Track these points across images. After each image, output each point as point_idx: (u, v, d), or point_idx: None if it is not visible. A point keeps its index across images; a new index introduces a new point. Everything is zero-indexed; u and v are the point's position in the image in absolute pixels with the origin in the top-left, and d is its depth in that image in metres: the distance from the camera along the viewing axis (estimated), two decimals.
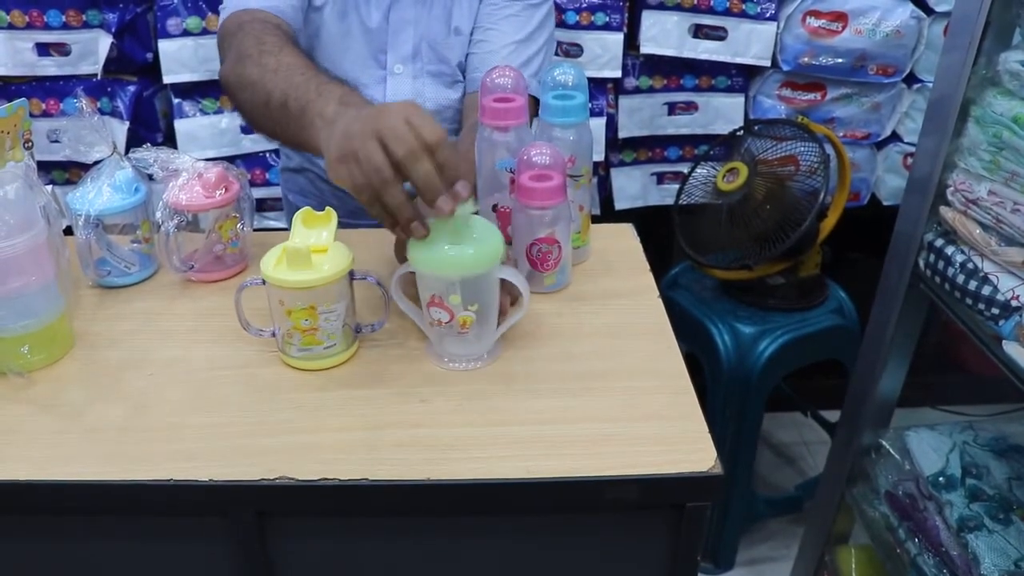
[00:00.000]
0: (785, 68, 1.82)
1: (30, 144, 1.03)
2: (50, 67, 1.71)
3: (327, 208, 0.95)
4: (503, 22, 1.37)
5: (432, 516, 0.85)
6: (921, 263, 1.31)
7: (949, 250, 1.24)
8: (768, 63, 1.83)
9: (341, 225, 0.96)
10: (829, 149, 1.62)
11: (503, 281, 0.92)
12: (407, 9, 1.36)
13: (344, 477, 0.79)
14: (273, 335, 0.95)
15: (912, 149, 1.91)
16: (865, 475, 1.55)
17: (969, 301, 1.20)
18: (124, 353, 0.98)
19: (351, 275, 0.93)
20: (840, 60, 1.79)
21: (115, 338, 1.01)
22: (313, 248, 0.90)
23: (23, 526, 0.86)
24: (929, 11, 1.79)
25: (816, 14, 1.76)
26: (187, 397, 0.91)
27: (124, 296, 1.10)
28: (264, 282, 0.91)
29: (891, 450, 1.48)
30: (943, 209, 1.26)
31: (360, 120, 0.84)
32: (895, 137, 1.95)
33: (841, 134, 1.89)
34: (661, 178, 1.98)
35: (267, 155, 1.85)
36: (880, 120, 1.91)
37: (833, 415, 1.91)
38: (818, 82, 1.86)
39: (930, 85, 1.82)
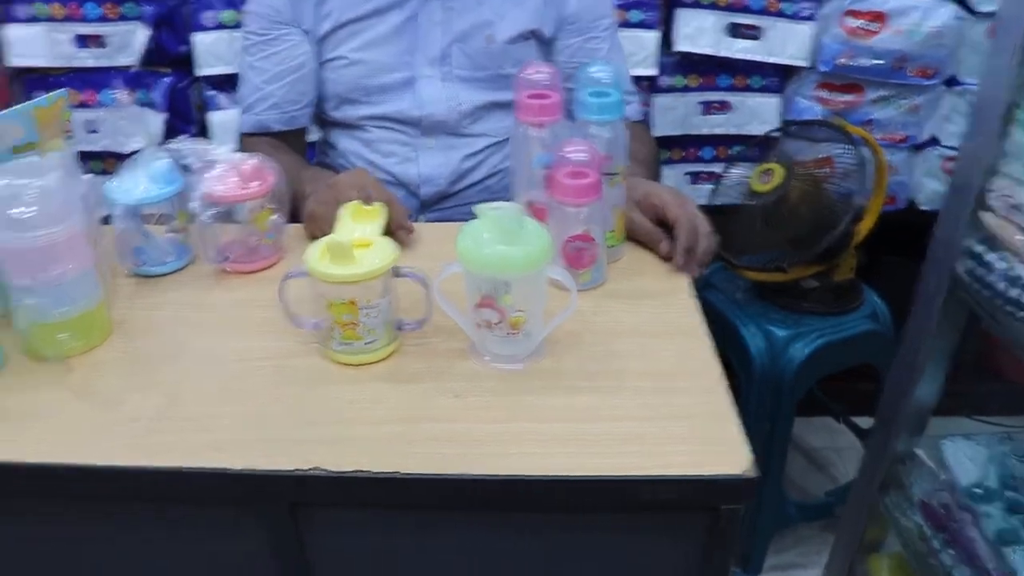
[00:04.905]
0: (822, 68, 1.81)
1: (70, 134, 1.04)
2: (88, 59, 1.73)
3: (376, 203, 0.96)
4: (609, 56, 1.45)
5: (464, 511, 0.85)
6: (961, 269, 1.30)
7: (990, 257, 1.23)
8: (805, 63, 1.81)
9: None
10: (866, 152, 1.61)
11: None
12: (435, 12, 1.37)
13: (377, 469, 0.80)
14: (316, 327, 0.96)
15: (951, 153, 1.89)
16: (899, 483, 1.54)
17: (1010, 309, 1.19)
18: (160, 342, 1.00)
19: (395, 271, 0.93)
20: (879, 61, 1.77)
21: (151, 327, 1.02)
22: (358, 242, 0.91)
23: (56, 510, 0.88)
24: (972, 11, 1.77)
25: (855, 14, 1.74)
26: (222, 387, 0.92)
27: (160, 285, 1.11)
28: (307, 274, 0.91)
29: (926, 459, 1.46)
30: (984, 215, 1.24)
31: (319, 196, 1.17)
32: (934, 140, 1.93)
33: (878, 136, 1.87)
34: (695, 178, 1.98)
35: None
36: (919, 123, 1.89)
37: (865, 421, 1.90)
38: (856, 83, 1.85)
39: (972, 87, 1.81)
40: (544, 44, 1.45)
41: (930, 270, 1.37)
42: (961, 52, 1.79)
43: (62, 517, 0.88)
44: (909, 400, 1.45)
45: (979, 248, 1.25)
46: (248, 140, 1.44)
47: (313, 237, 1.14)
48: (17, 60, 1.72)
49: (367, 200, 1.06)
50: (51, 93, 1.01)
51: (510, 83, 1.39)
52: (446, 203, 1.45)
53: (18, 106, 0.96)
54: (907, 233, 1.74)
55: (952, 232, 1.30)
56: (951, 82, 1.86)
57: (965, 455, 1.43)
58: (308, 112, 1.44)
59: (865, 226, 1.69)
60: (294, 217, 1.22)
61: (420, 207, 1.45)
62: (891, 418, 1.51)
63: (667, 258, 1.13)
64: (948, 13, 1.73)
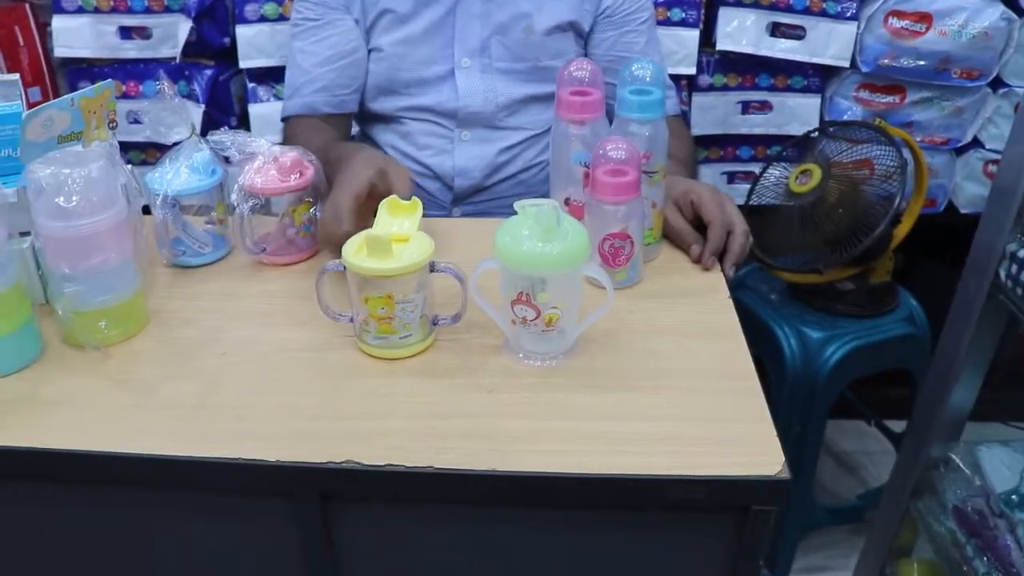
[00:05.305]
0: (864, 69, 1.77)
1: (115, 124, 1.05)
2: (131, 50, 1.75)
3: (413, 198, 0.96)
4: (646, 50, 1.45)
5: (496, 507, 0.85)
6: (1002, 274, 1.27)
7: None
8: (847, 64, 1.78)
9: None
10: (907, 154, 1.58)
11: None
12: (474, 4, 1.37)
13: (410, 464, 0.79)
14: (351, 320, 0.96)
15: (994, 156, 1.85)
16: (932, 488, 1.52)
17: None
18: (197, 332, 1.00)
19: (431, 266, 0.93)
20: (922, 62, 1.74)
21: (188, 317, 1.03)
22: (395, 237, 0.91)
23: (92, 496, 0.88)
24: (1021, 12, 1.73)
25: (899, 14, 1.71)
26: (257, 378, 0.92)
27: (198, 276, 1.12)
28: (344, 267, 0.91)
29: (961, 464, 1.44)
30: None
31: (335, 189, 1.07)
32: (976, 143, 1.89)
33: (919, 139, 1.84)
34: (732, 177, 1.95)
35: None
36: (961, 125, 1.85)
37: (898, 425, 1.87)
38: (898, 84, 1.81)
39: (1018, 90, 1.77)
40: (582, 37, 1.44)
41: (970, 273, 1.35)
42: (1008, 54, 1.75)
43: (95, 503, 0.89)
44: (944, 405, 1.43)
45: (1022, 252, 1.23)
46: (292, 122, 1.43)
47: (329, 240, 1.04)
48: (63, 51, 1.73)
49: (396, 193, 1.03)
50: (98, 84, 1.02)
51: (548, 75, 1.39)
52: (479, 196, 1.45)
53: (66, 96, 0.97)
54: (946, 236, 1.71)
55: (994, 235, 1.28)
56: (996, 84, 1.82)
57: (1001, 461, 1.40)
58: (356, 99, 1.44)
59: (903, 229, 1.66)
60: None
61: (454, 200, 1.45)
62: (926, 423, 1.49)
63: (696, 261, 1.12)
64: (995, 14, 1.69)
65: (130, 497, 0.88)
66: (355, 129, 1.56)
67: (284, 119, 1.45)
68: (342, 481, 0.81)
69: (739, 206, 1.15)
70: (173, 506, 0.88)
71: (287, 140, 1.42)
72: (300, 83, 1.41)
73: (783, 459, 0.80)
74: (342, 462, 0.80)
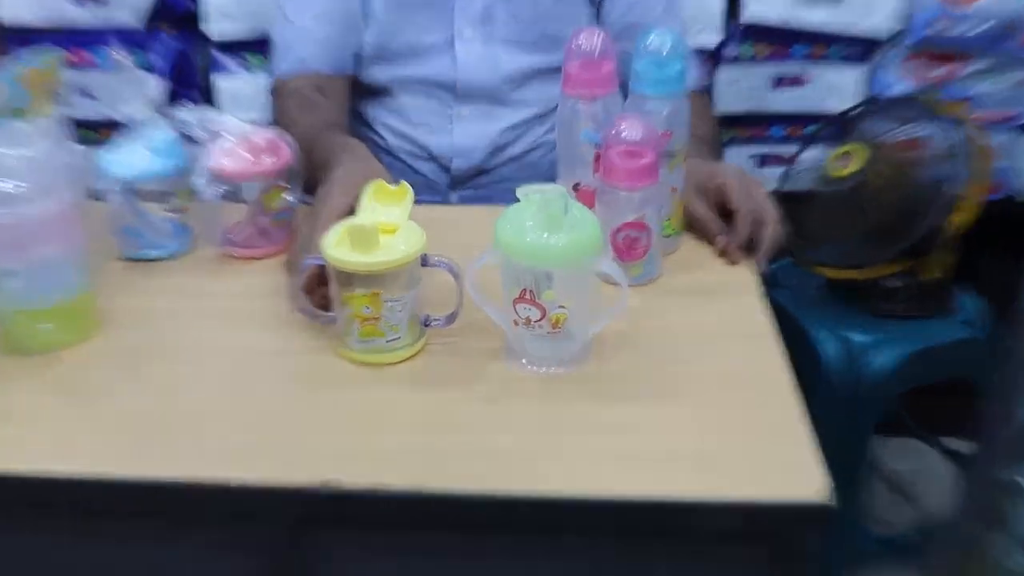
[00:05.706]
0: (914, 37, 1.77)
1: (59, 96, 1.05)
2: (84, 17, 1.74)
3: (402, 183, 0.96)
4: (664, 17, 1.45)
5: (494, 535, 0.84)
6: None
7: None
8: (893, 31, 1.78)
9: None
10: (963, 132, 1.58)
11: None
12: None
13: (398, 486, 0.79)
14: (331, 322, 0.95)
15: None
16: (1000, 518, 1.51)
17: None
18: (155, 335, 1.00)
19: (423, 260, 0.92)
20: (981, 28, 1.73)
21: (145, 318, 1.03)
22: (382, 227, 0.90)
23: (32, 523, 0.88)
24: None
25: None
26: (223, 387, 0.92)
27: (157, 271, 1.12)
28: (324, 261, 0.91)
29: None
30: None
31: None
32: None
33: (979, 115, 1.83)
34: (763, 160, 1.96)
35: None
36: None
37: (959, 444, 1.87)
38: (952, 54, 1.81)
39: None
40: (593, 4, 1.44)
41: None
42: None
43: (35, 530, 0.88)
44: (1014, 421, 1.42)
45: None
46: (282, 91, 1.40)
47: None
48: (4, 16, 1.73)
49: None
50: (41, 51, 1.01)
51: (557, 45, 1.38)
52: (480, 179, 1.46)
53: (5, 67, 0.96)
54: (1011, 226, 1.70)
55: None
56: None
57: None
58: (352, 63, 1.42)
59: (963, 218, 1.65)
60: (308, 187, 1.17)
61: (451, 183, 1.45)
62: (991, 442, 1.48)
63: (721, 254, 1.12)
64: None
65: (77, 525, 0.87)
66: None
67: (273, 88, 1.43)
68: (320, 505, 0.80)
69: (771, 192, 1.15)
70: (126, 534, 0.87)
71: (275, 117, 1.40)
72: (291, 39, 1.40)
73: (825, 481, 0.79)
74: (320, 484, 0.79)
